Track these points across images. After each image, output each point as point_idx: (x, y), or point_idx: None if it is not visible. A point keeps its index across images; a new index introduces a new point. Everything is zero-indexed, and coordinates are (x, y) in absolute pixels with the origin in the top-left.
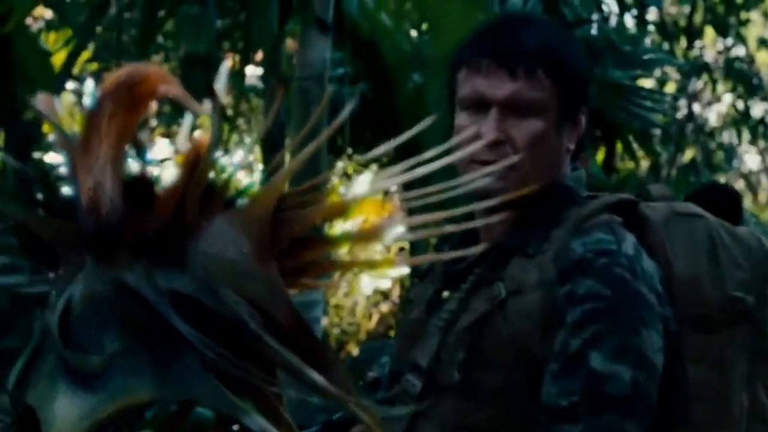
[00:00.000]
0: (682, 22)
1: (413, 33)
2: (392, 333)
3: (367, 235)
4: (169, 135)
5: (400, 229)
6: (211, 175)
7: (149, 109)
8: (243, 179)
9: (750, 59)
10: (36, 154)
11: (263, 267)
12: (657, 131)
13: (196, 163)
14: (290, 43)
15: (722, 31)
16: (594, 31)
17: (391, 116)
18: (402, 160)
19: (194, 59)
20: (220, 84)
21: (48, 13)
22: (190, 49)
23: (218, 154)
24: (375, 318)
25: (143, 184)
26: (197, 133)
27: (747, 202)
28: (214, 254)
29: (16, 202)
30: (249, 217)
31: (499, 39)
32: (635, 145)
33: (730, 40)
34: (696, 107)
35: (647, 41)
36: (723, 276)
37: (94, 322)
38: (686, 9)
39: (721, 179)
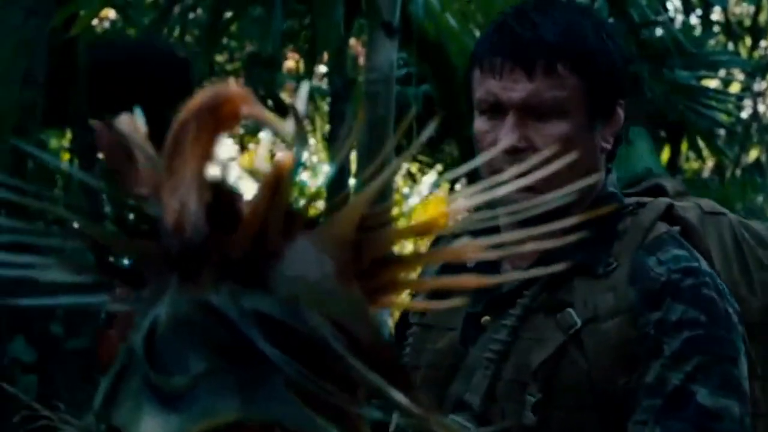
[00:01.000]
0: (747, 22)
1: (477, 34)
2: None
3: (445, 256)
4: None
5: (477, 248)
6: (293, 195)
7: (232, 129)
8: (308, 181)
9: None
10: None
11: (346, 287)
12: (722, 131)
13: (278, 185)
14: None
15: None
16: (659, 32)
17: (456, 117)
18: (465, 160)
19: (258, 60)
20: (302, 104)
21: (112, 14)
22: (254, 50)
23: (300, 173)
24: None
25: (226, 204)
26: (278, 154)
27: None
28: (297, 275)
29: (97, 220)
30: (331, 237)
31: (513, 33)
32: (700, 145)
33: None
34: (761, 107)
35: (712, 41)
36: (753, 280)
37: (180, 343)
38: (751, 9)
39: None
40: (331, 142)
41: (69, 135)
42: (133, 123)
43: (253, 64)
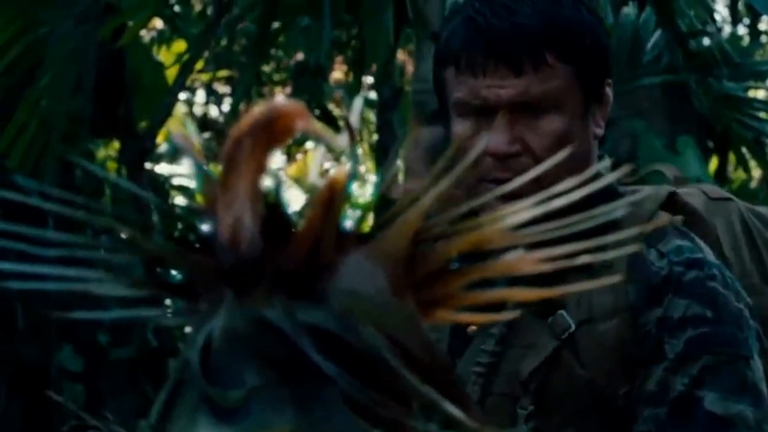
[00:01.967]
0: None
1: None
2: None
3: (499, 269)
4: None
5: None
6: (346, 209)
7: (286, 144)
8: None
9: None
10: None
11: (399, 301)
12: None
13: (332, 200)
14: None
15: None
16: (707, 42)
17: None
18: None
19: (305, 70)
20: (355, 118)
21: (159, 23)
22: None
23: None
24: None
25: (280, 219)
26: (332, 168)
27: None
28: (351, 289)
29: (146, 232)
30: (385, 251)
31: (489, 24)
32: (748, 156)
33: None
34: None
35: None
36: (766, 269)
37: (234, 357)
38: None
39: None
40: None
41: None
42: (188, 138)
43: (300, 73)
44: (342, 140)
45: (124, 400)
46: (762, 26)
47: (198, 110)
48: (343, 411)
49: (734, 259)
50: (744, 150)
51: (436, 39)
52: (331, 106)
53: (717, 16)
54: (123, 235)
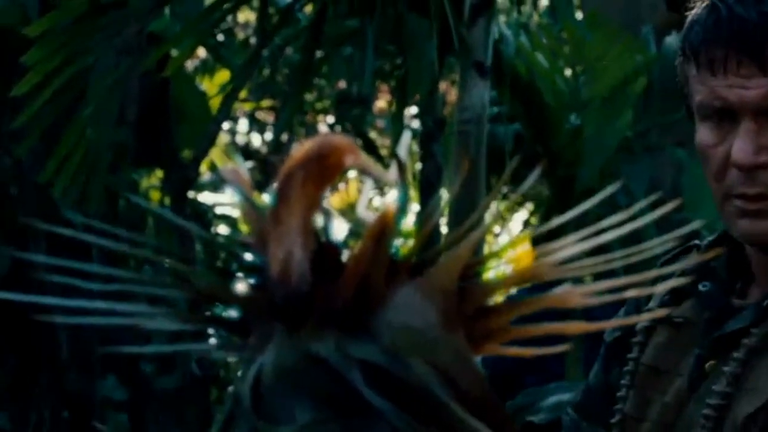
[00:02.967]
0: None
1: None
2: None
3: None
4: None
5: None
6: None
7: (337, 179)
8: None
9: None
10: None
11: (450, 335)
12: None
13: (382, 234)
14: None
15: None
16: None
17: (548, 156)
18: (558, 199)
19: (347, 98)
20: (404, 153)
21: (202, 52)
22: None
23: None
24: None
25: (330, 253)
26: (380, 202)
27: None
28: (402, 324)
29: (199, 269)
30: (434, 286)
31: (733, 14)
32: None
33: None
34: None
35: None
36: None
37: (285, 393)
38: None
39: None
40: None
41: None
42: (238, 173)
43: (342, 102)
44: (391, 174)
45: (169, 430)
46: None
47: (241, 139)
48: None
49: None
50: None
51: (480, 69)
52: (374, 135)
53: None
54: (170, 270)
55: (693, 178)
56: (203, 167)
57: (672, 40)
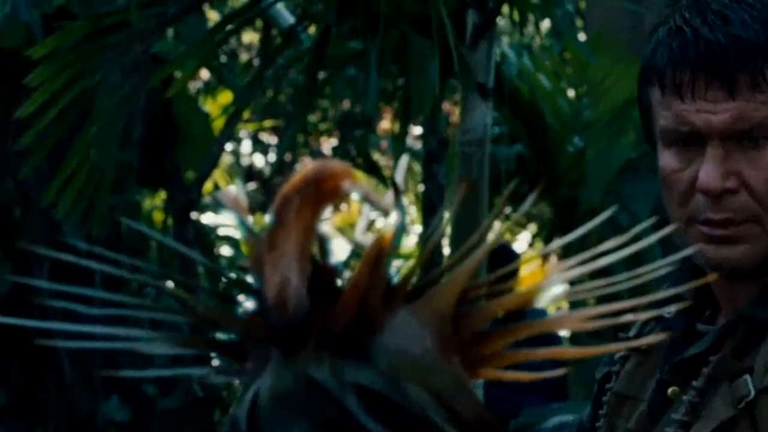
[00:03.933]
0: None
1: (571, 93)
2: None
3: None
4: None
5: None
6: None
7: (334, 204)
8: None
9: None
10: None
11: (446, 360)
12: None
13: (378, 259)
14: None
15: None
16: None
17: (550, 177)
18: (560, 220)
19: (351, 119)
20: (401, 177)
21: (205, 73)
22: (348, 110)
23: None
24: None
25: (327, 278)
26: (379, 224)
27: None
28: (398, 349)
29: (198, 294)
30: (431, 310)
31: (698, 35)
32: None
33: None
34: None
35: None
36: None
37: (282, 417)
38: None
39: None
40: (425, 203)
41: (163, 195)
42: (235, 197)
43: (346, 123)
44: (388, 198)
45: None
46: None
47: (244, 160)
48: None
49: None
50: None
51: (482, 91)
52: (377, 156)
53: None
54: (170, 295)
55: None
56: (206, 188)
57: None
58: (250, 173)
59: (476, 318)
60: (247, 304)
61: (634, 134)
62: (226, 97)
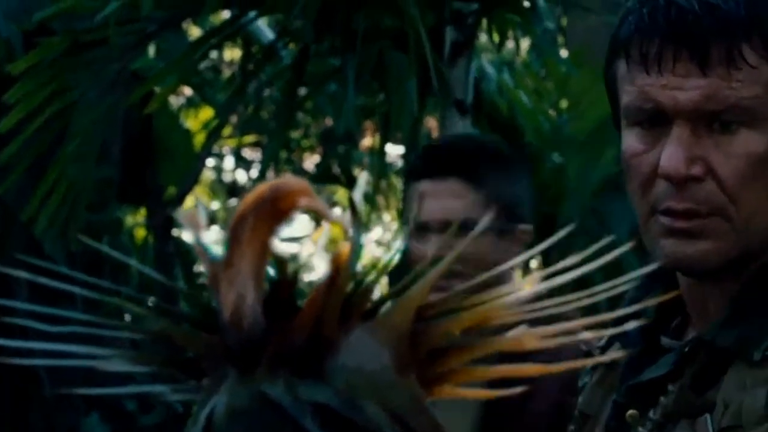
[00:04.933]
0: None
1: (552, 112)
2: None
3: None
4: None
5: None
6: (350, 286)
7: (289, 221)
8: (381, 257)
9: None
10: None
11: (403, 378)
12: None
13: (335, 276)
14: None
15: None
16: None
17: None
18: (539, 236)
19: (333, 136)
20: (359, 195)
21: (187, 90)
22: (330, 126)
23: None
24: None
25: (283, 296)
26: (337, 246)
27: None
28: (355, 366)
29: (160, 314)
30: (388, 328)
31: (672, 3)
32: None
33: None
34: None
35: None
36: None
37: None
38: None
39: None
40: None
41: (144, 211)
42: (194, 217)
43: (328, 140)
44: (345, 217)
45: None
46: None
47: (226, 176)
48: None
49: None
50: None
51: (459, 107)
52: (358, 172)
53: None
54: (129, 312)
55: None
56: (187, 204)
57: None
58: (233, 189)
59: (434, 335)
60: (202, 322)
61: (615, 150)
62: (207, 113)
